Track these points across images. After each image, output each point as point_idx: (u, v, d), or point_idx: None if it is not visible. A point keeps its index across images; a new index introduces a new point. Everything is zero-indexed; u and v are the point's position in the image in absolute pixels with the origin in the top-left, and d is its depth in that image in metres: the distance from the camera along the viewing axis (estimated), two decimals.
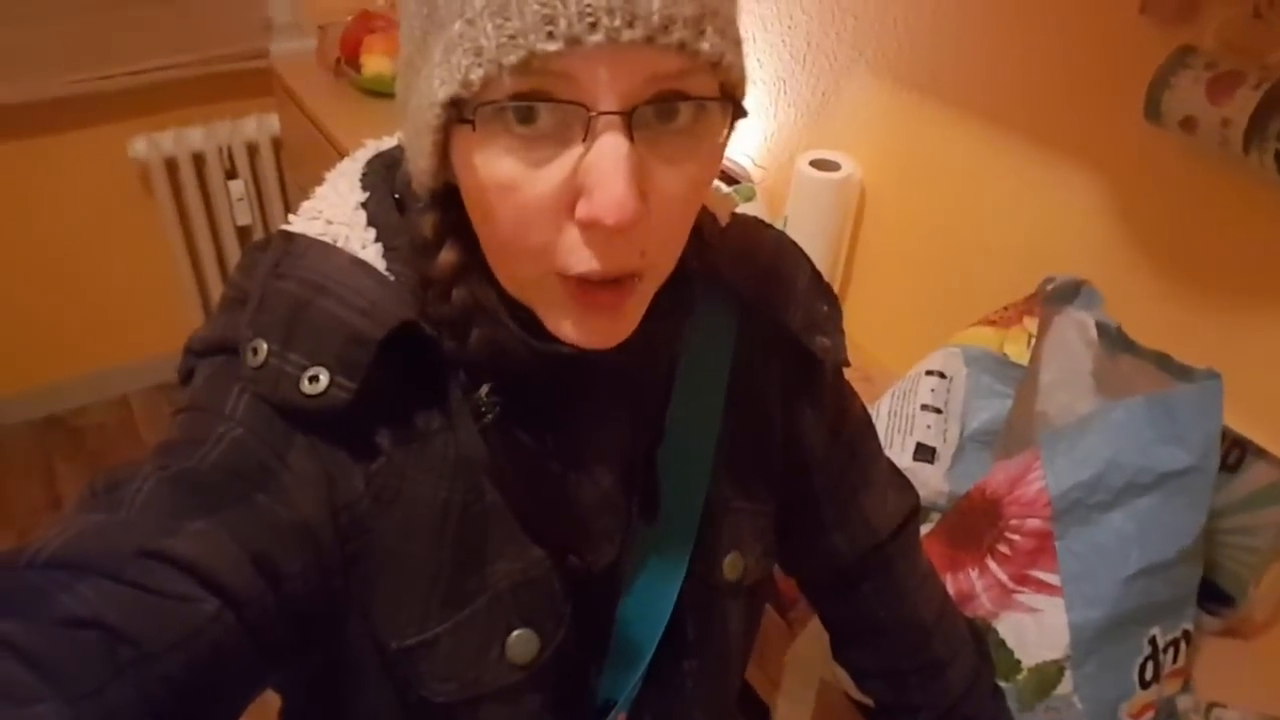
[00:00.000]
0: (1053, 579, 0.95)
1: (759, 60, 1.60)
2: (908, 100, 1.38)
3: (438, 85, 0.46)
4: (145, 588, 0.44)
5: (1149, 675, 0.96)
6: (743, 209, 1.57)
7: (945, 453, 1.15)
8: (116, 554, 0.45)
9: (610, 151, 0.45)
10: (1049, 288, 1.12)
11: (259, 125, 2.51)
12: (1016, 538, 0.97)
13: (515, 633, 0.59)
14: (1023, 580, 0.97)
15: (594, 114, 0.44)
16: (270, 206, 2.63)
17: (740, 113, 0.50)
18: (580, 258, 0.48)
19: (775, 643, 1.10)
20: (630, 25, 0.42)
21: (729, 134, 0.50)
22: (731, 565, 0.69)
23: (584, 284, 0.49)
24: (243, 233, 2.63)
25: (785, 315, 0.68)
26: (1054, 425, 1.06)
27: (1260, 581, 1.05)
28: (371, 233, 0.56)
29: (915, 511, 0.83)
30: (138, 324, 2.61)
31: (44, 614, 0.41)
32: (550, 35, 0.42)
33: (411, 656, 0.57)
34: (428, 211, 0.54)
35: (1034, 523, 0.96)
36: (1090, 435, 0.96)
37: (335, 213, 0.57)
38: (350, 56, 2.11)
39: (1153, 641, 0.97)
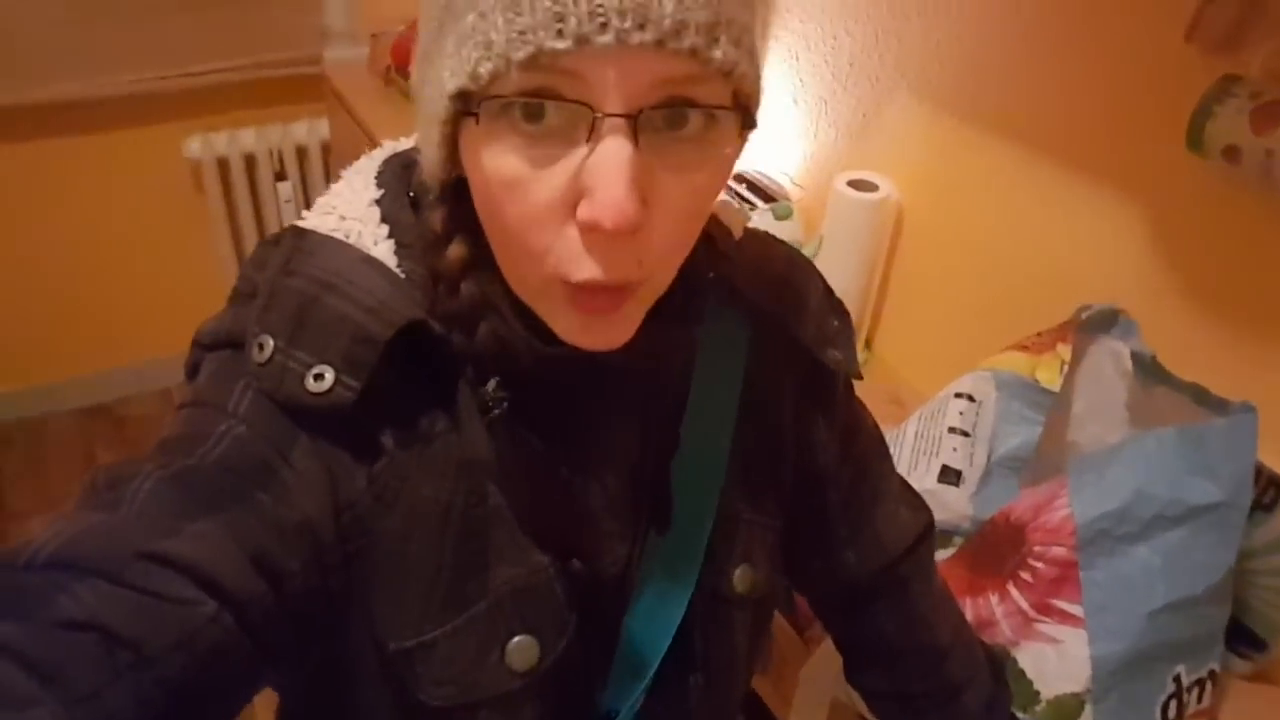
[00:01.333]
0: (1075, 609, 0.94)
1: (801, 80, 1.60)
2: (948, 124, 1.37)
3: (448, 77, 0.46)
4: (144, 590, 0.44)
5: (1172, 714, 0.94)
6: (779, 227, 1.57)
7: (971, 476, 1.13)
8: (115, 555, 0.44)
9: (613, 154, 0.44)
10: (1084, 315, 1.11)
11: (309, 129, 2.56)
12: (1040, 565, 0.95)
13: (516, 639, 0.58)
14: (1045, 609, 0.95)
15: (599, 115, 0.44)
16: None
17: (751, 124, 0.50)
18: (579, 265, 0.48)
19: (790, 659, 1.09)
20: (641, 28, 0.42)
21: (742, 146, 0.50)
22: (741, 578, 0.68)
23: (583, 289, 0.49)
24: None
25: (798, 328, 0.67)
26: (1084, 455, 1.04)
27: None
28: (384, 229, 0.56)
29: (929, 530, 0.82)
30: (183, 319, 2.59)
31: (42, 616, 0.41)
32: (559, 33, 0.42)
33: (409, 658, 0.57)
34: (437, 205, 0.55)
35: (1058, 551, 0.94)
36: (1119, 464, 0.94)
37: (349, 208, 0.57)
38: (401, 64, 2.14)
39: (1177, 679, 0.94)
